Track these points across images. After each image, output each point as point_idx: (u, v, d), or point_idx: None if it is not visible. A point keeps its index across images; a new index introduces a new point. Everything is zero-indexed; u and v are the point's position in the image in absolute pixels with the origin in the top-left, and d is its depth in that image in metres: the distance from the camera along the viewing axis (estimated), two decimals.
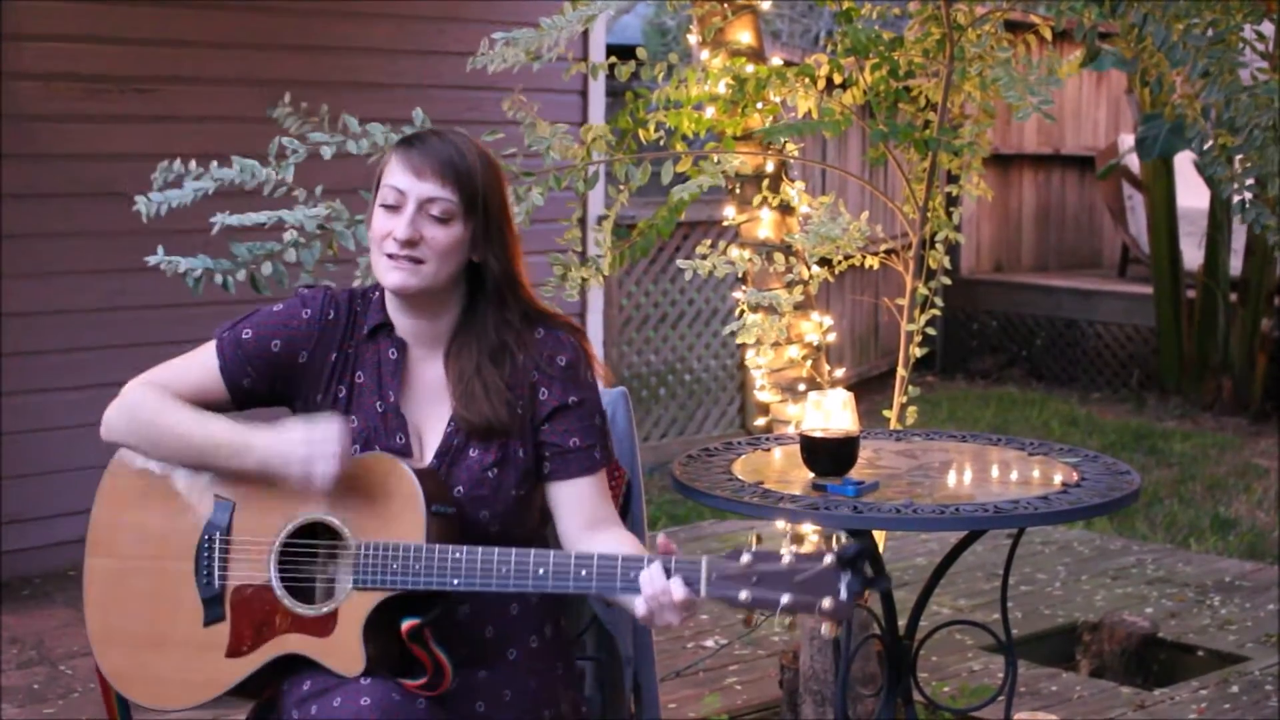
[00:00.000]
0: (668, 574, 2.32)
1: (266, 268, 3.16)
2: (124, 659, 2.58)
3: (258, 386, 2.59)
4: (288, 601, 2.48)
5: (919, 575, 5.47)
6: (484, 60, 3.48)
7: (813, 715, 3.98)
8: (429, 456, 2.59)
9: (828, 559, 2.25)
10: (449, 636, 2.50)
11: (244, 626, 2.50)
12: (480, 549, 2.42)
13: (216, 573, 2.51)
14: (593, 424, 2.62)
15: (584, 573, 2.38)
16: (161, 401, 2.55)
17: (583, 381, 2.63)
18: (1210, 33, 3.31)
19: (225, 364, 2.57)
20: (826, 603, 2.23)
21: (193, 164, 3.36)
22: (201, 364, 2.59)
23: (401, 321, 2.62)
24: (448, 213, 2.53)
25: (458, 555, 2.42)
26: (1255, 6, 3.61)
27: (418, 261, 2.53)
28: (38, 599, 5.40)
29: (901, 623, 3.27)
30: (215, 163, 3.34)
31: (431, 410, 2.62)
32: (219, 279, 3.14)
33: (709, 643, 4.98)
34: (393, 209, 2.54)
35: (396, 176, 2.54)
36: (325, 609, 2.47)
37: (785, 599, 2.24)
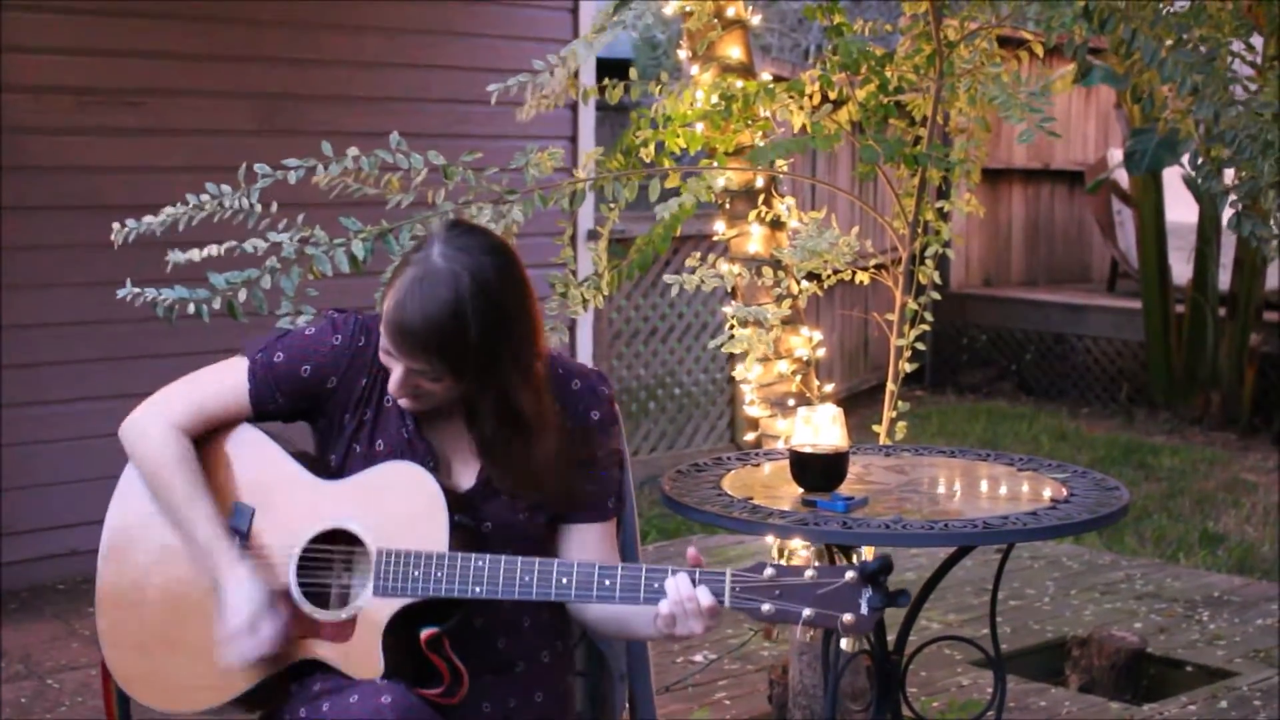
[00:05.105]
0: (693, 583, 2.35)
1: (242, 294, 3.14)
2: (134, 661, 2.56)
3: (283, 407, 2.59)
4: (306, 607, 2.47)
5: (908, 590, 5.46)
6: (526, 110, 3.54)
7: None
8: (463, 485, 2.58)
9: (850, 574, 2.31)
10: (461, 646, 2.50)
11: None
12: (503, 558, 2.43)
13: None
14: (612, 476, 2.65)
15: (608, 583, 2.39)
16: (179, 460, 2.53)
17: (611, 434, 2.65)
18: (1203, 49, 3.31)
19: (254, 387, 2.57)
20: (847, 617, 2.31)
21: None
22: (230, 386, 2.58)
23: None
24: (436, 377, 2.47)
25: (480, 564, 2.42)
26: (1244, 20, 3.62)
27: (418, 398, 2.51)
28: (26, 612, 5.38)
29: (891, 637, 3.27)
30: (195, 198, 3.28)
31: (457, 445, 2.60)
32: (192, 309, 3.11)
33: (698, 657, 4.97)
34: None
35: (385, 339, 2.46)
36: (344, 614, 2.46)
37: (807, 612, 2.31)
